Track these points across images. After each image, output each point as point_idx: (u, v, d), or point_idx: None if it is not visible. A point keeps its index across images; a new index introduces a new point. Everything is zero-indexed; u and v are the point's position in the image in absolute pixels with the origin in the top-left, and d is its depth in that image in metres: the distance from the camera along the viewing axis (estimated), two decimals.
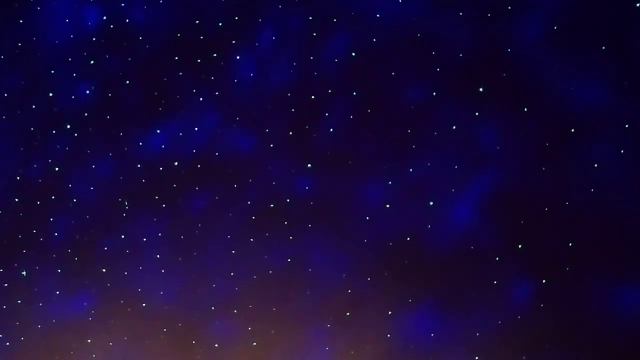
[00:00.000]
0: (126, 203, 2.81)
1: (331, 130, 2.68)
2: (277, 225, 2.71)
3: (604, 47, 2.44)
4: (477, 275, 2.53)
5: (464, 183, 2.57)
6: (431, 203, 2.60)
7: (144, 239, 2.79)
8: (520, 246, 2.50)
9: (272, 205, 2.72)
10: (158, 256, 2.78)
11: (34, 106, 2.90)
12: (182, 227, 2.77)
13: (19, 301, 2.83)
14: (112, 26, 2.87)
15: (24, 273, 2.85)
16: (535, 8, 2.52)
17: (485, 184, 2.55)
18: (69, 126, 2.87)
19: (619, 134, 2.44)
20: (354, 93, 2.67)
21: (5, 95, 2.91)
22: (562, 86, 2.50)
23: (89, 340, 2.78)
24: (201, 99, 2.79)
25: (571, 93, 2.49)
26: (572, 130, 2.48)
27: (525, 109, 2.53)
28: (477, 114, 2.58)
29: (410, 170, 2.62)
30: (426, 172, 2.61)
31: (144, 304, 2.77)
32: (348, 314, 2.63)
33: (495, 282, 2.52)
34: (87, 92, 2.87)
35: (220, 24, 2.79)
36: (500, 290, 2.52)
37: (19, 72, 2.91)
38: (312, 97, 2.70)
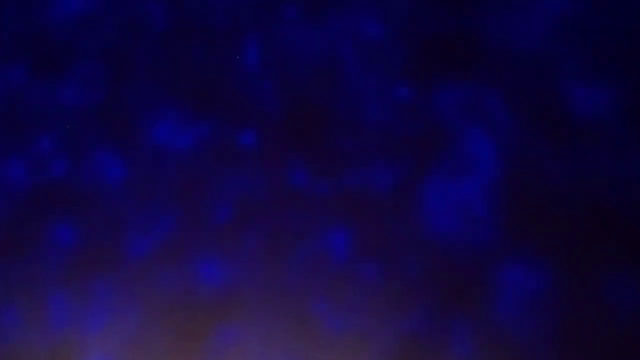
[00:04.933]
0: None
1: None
2: (277, 226, 2.72)
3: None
4: (475, 273, 2.54)
5: (465, 179, 2.59)
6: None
7: (142, 241, 2.80)
8: (519, 243, 2.52)
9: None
10: (157, 257, 2.79)
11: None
12: (182, 227, 2.78)
13: (19, 298, 2.83)
14: None
15: (24, 275, 2.85)
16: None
17: (484, 180, 2.57)
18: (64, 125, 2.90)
19: (625, 129, 2.46)
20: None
21: None
22: (567, 81, 2.53)
23: (88, 340, 2.77)
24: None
25: (579, 87, 2.52)
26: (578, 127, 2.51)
27: (526, 108, 2.56)
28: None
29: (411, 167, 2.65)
30: (426, 167, 2.63)
31: (144, 304, 2.77)
32: (347, 314, 2.63)
33: (493, 279, 2.54)
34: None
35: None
36: (500, 288, 2.53)
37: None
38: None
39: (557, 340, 2.45)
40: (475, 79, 2.61)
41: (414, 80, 2.66)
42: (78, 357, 2.79)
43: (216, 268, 2.73)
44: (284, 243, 2.68)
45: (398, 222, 2.61)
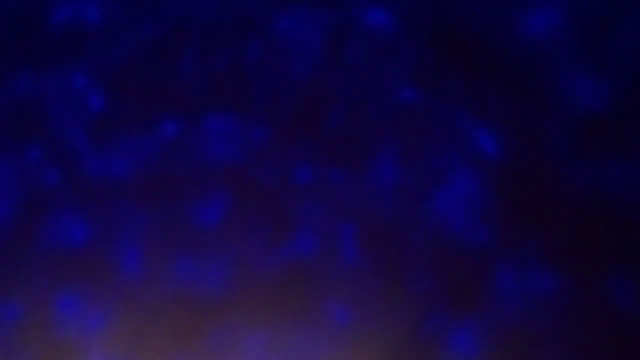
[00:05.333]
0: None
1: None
2: (275, 227, 2.72)
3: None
4: (477, 271, 2.54)
5: (468, 177, 2.60)
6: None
7: (143, 240, 2.80)
8: (522, 242, 2.52)
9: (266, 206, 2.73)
10: (158, 256, 2.78)
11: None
12: (183, 227, 2.78)
13: (20, 299, 2.82)
14: None
15: (24, 277, 2.85)
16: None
17: (485, 179, 2.57)
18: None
19: (631, 126, 2.47)
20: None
21: None
22: (570, 78, 2.53)
23: (88, 340, 2.77)
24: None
25: (584, 84, 2.52)
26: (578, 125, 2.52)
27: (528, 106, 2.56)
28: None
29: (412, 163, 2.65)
30: (425, 165, 2.63)
31: (144, 305, 2.76)
32: (347, 315, 2.63)
33: (495, 278, 2.53)
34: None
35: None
36: (501, 287, 2.53)
37: None
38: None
39: (559, 340, 2.45)
40: (478, 75, 2.61)
41: (418, 76, 2.66)
42: (79, 357, 2.78)
43: (218, 267, 2.73)
44: (286, 241, 2.68)
45: (401, 220, 2.62)
